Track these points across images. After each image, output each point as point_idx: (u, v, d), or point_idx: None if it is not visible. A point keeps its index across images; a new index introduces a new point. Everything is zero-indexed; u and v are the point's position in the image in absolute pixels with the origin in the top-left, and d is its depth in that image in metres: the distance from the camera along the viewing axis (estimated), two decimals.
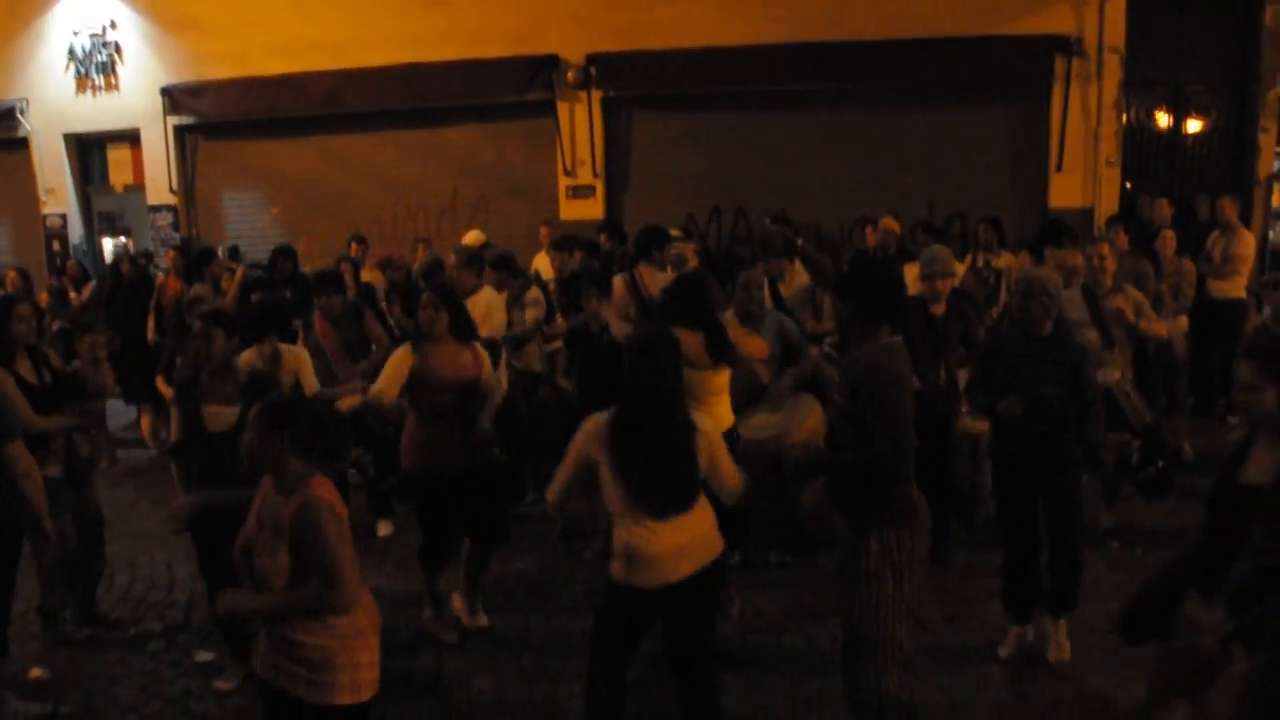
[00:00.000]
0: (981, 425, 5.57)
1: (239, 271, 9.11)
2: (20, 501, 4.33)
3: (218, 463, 4.46)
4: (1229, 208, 8.71)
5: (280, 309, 6.19)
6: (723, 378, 5.05)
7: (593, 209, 11.72)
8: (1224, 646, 3.05)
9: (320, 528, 3.03)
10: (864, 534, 3.57)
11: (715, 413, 4.79)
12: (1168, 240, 8.23)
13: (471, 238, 9.81)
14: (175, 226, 13.57)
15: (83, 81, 13.49)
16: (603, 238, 9.31)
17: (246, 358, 5.62)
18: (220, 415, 4.72)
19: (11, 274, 11.19)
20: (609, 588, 3.76)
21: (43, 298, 10.06)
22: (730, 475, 3.82)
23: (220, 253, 10.70)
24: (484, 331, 6.07)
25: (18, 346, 5.10)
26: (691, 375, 4.49)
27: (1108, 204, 10.48)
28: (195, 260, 9.84)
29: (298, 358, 5.79)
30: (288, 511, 3.08)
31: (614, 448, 3.61)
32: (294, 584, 3.08)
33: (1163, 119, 10.74)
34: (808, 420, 5.27)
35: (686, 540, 3.63)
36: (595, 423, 3.70)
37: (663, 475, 3.60)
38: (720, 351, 4.96)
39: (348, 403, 6.14)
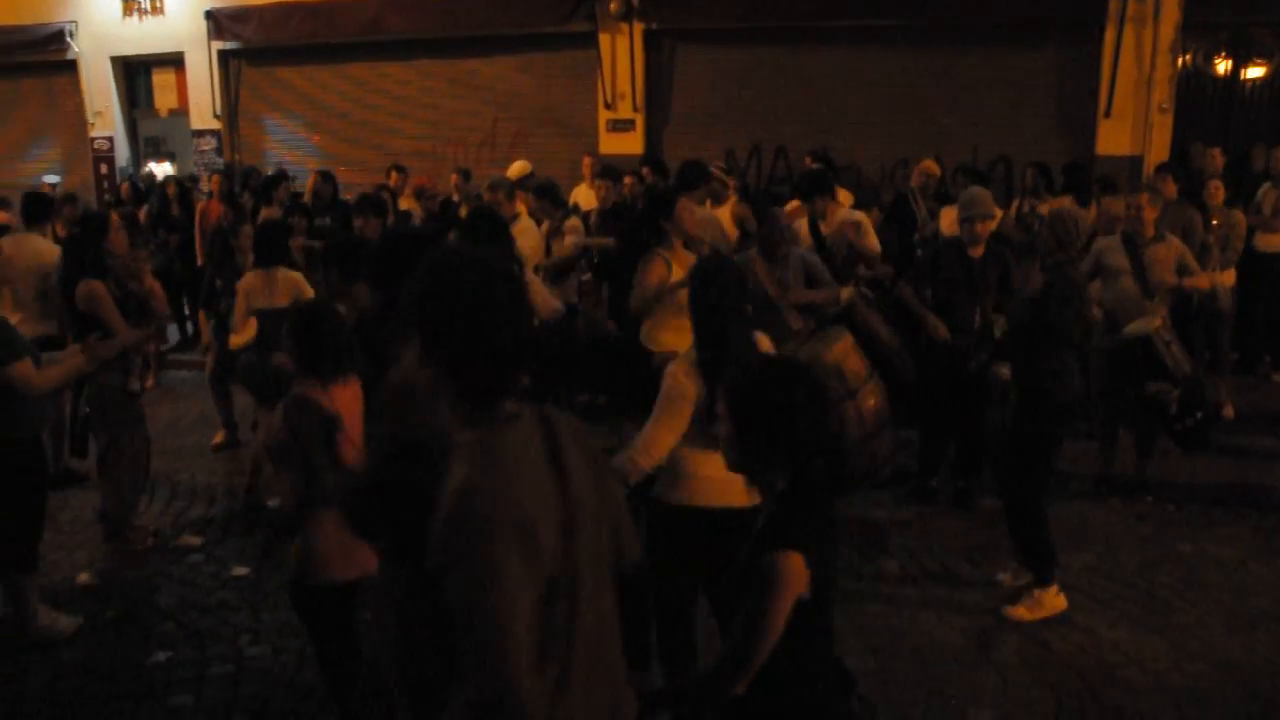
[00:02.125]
0: (1007, 371, 5.48)
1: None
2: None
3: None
4: None
5: (280, 231, 6.41)
6: None
7: (632, 144, 11.64)
8: None
9: (297, 423, 3.25)
10: None
11: None
12: (1215, 191, 8.04)
13: (517, 168, 9.80)
14: (218, 152, 13.68)
15: (129, 5, 13.54)
16: (645, 171, 9.26)
17: (246, 281, 6.08)
18: None
19: (124, 186, 11.44)
20: (662, 516, 3.62)
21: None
22: None
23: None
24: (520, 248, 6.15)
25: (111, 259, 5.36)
26: None
27: (1157, 153, 10.21)
28: (265, 185, 9.92)
29: (294, 280, 6.16)
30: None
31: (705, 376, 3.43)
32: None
33: (1221, 65, 10.41)
34: (837, 344, 5.27)
35: None
36: (685, 361, 3.53)
37: None
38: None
39: None
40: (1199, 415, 5.53)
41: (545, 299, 5.41)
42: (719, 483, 3.32)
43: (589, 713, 2.03)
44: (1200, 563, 5.35)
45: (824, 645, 2.44)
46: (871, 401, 5.35)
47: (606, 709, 2.11)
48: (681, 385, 3.43)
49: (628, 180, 8.30)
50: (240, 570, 5.41)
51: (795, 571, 2.26)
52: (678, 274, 5.13)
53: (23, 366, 4.33)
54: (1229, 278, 7.87)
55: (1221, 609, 4.84)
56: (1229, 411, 7.53)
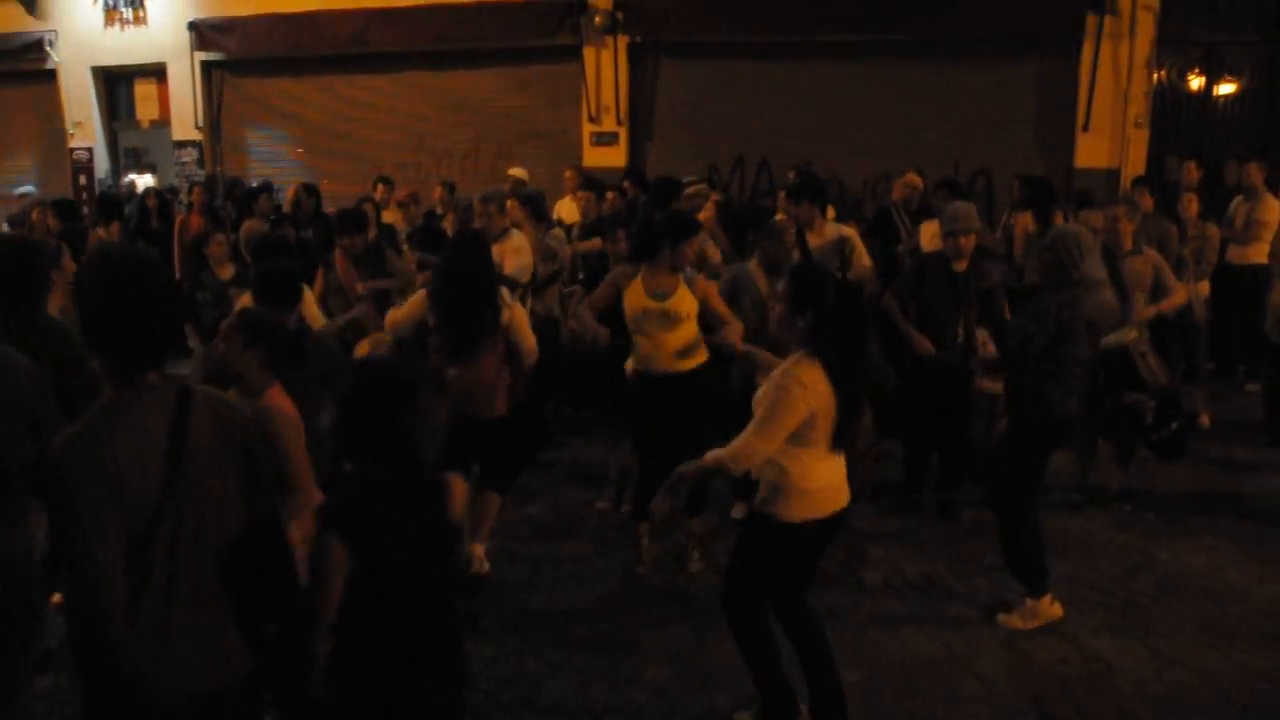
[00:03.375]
0: (995, 384, 5.59)
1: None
2: None
3: None
4: (1255, 173, 8.61)
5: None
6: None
7: (616, 157, 11.71)
8: None
9: (277, 432, 3.36)
10: None
11: None
12: (1189, 204, 8.16)
13: (517, 172, 9.89)
14: (200, 163, 13.64)
15: (111, 14, 13.52)
16: (626, 185, 9.31)
17: (245, 299, 5.80)
18: None
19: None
20: (778, 532, 3.71)
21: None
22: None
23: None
24: (509, 269, 6.15)
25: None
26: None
27: (1134, 165, 10.37)
28: (247, 196, 9.88)
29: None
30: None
31: (840, 390, 3.59)
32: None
33: (1194, 81, 10.58)
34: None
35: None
36: (810, 375, 3.57)
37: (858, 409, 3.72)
38: None
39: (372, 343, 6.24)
40: (1175, 425, 5.61)
41: (527, 336, 5.36)
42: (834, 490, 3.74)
43: (194, 646, 2.37)
44: (1179, 571, 5.43)
45: (389, 630, 2.68)
46: (864, 423, 5.44)
47: (212, 645, 2.42)
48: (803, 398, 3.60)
49: (609, 195, 8.33)
50: None
51: (334, 550, 2.60)
52: (636, 299, 5.21)
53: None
54: (1203, 289, 8.00)
55: (1200, 617, 4.92)
56: (1205, 420, 7.65)
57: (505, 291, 5.21)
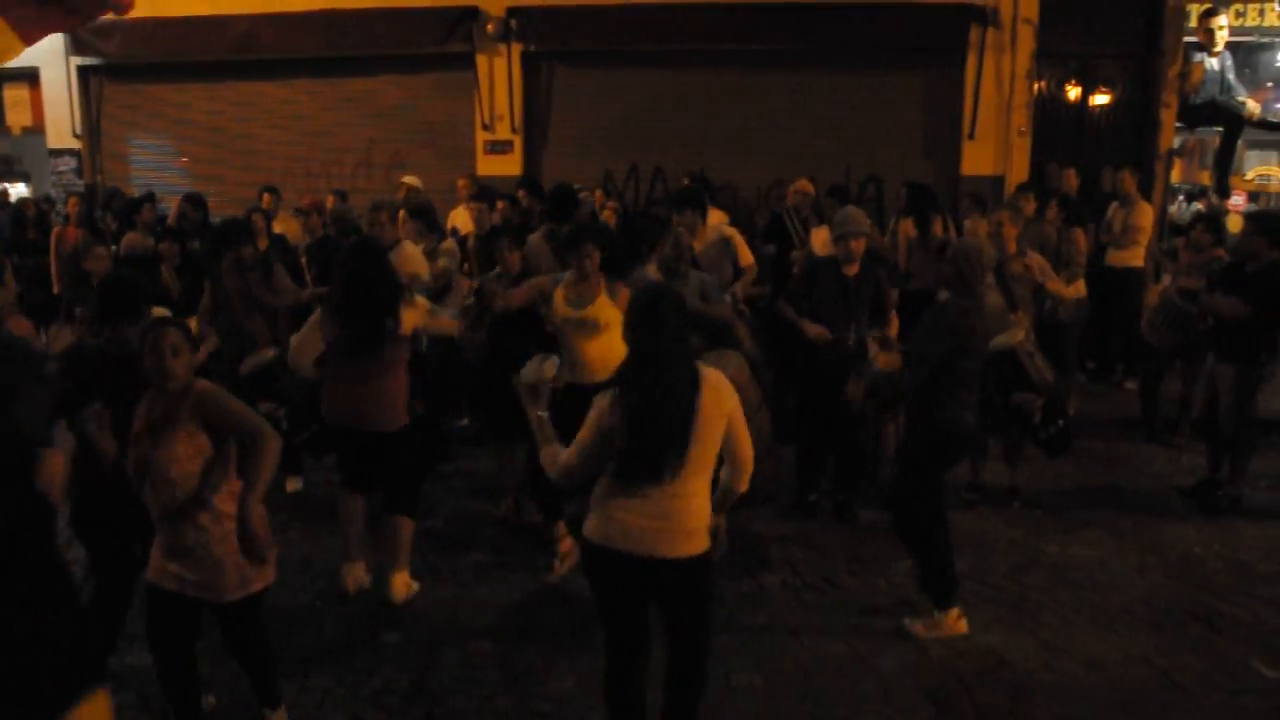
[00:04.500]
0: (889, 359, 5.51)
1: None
2: None
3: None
4: (1129, 180, 8.98)
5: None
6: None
7: (510, 165, 11.62)
8: None
9: (226, 397, 3.58)
10: None
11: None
12: (1051, 212, 8.41)
13: (411, 180, 9.76)
14: (78, 172, 13.08)
15: None
16: (521, 194, 9.23)
17: None
18: None
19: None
20: (587, 551, 3.47)
21: None
22: (743, 445, 3.46)
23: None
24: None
25: None
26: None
27: (1018, 172, 10.75)
28: (127, 207, 9.50)
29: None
30: (188, 402, 3.50)
31: (623, 412, 3.27)
32: (210, 463, 3.54)
33: (1072, 91, 11.01)
34: (732, 368, 5.35)
35: (662, 523, 3.33)
36: (608, 395, 3.35)
37: (658, 438, 3.27)
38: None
39: (255, 360, 6.08)
40: (1061, 422, 5.79)
41: (441, 321, 5.30)
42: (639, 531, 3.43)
43: None
44: (1066, 564, 5.61)
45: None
46: (761, 427, 5.48)
47: None
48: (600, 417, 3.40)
49: (500, 204, 8.23)
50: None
51: None
52: (561, 306, 5.17)
53: None
54: (1077, 290, 8.23)
55: (1087, 607, 5.08)
56: (1070, 410, 7.90)
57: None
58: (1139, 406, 7.98)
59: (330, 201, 9.80)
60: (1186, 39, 10.79)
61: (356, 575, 5.25)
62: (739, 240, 6.89)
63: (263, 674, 3.91)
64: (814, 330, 5.93)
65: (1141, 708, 4.22)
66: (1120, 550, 5.79)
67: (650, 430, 3.25)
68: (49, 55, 12.65)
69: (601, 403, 3.35)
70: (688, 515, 3.36)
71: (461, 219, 9.09)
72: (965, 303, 4.79)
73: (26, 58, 12.54)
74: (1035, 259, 6.62)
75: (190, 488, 3.49)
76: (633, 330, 3.37)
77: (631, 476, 3.31)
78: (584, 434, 3.38)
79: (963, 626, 4.82)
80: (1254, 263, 6.18)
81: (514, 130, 11.71)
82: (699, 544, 3.39)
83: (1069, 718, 4.16)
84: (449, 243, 7.42)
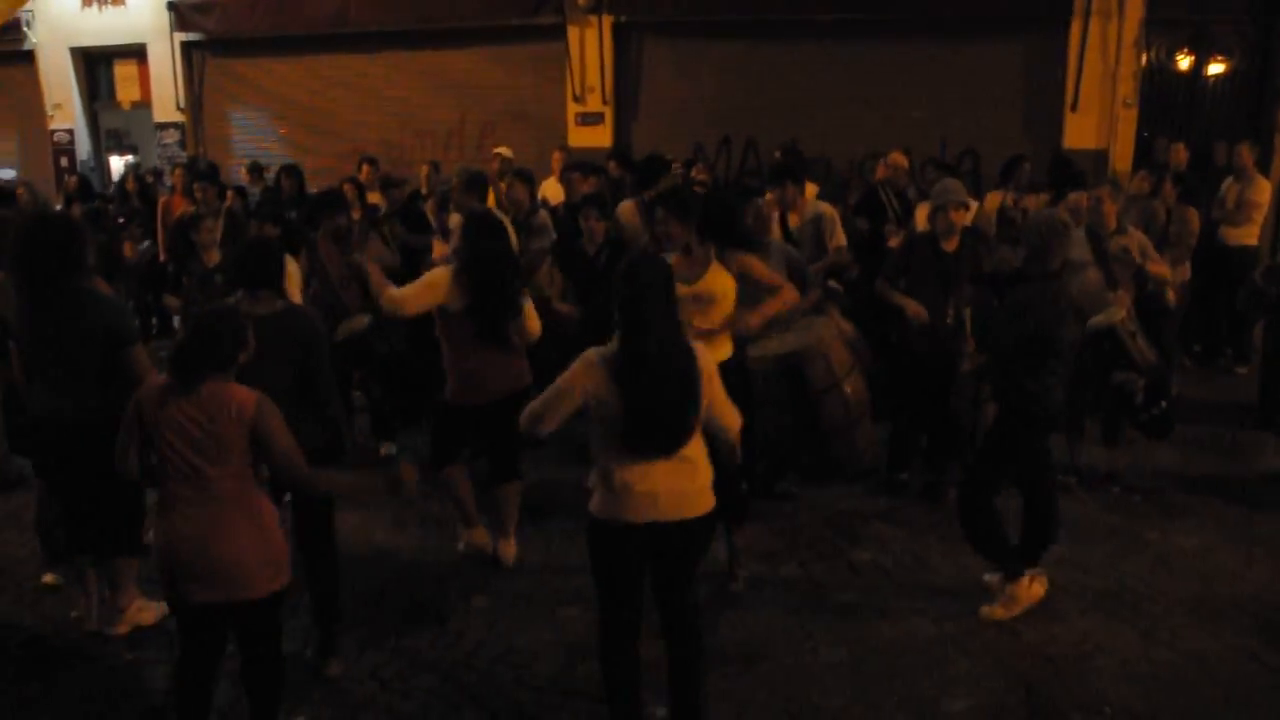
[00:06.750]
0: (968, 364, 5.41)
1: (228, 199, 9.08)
2: None
3: None
4: (1246, 154, 8.59)
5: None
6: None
7: (601, 136, 11.63)
8: None
9: (277, 413, 3.37)
10: None
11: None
12: (1168, 188, 8.09)
13: (502, 151, 9.82)
14: (181, 144, 13.50)
15: None
16: (612, 165, 9.22)
17: None
18: None
19: (72, 180, 10.92)
20: (592, 527, 3.52)
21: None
22: (729, 411, 3.57)
23: (244, 171, 10.89)
24: None
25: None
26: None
27: (1123, 146, 10.36)
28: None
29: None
30: (234, 407, 3.27)
31: (618, 379, 3.31)
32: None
33: (1183, 60, 10.54)
34: (822, 333, 5.26)
35: (677, 486, 3.41)
36: (596, 354, 3.41)
37: (661, 410, 3.33)
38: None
39: (348, 327, 6.17)
40: (1163, 404, 5.58)
41: (531, 315, 5.14)
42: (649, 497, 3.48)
43: None
44: (1168, 552, 5.41)
45: None
46: (855, 390, 5.39)
47: None
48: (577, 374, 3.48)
49: (591, 180, 8.17)
50: None
51: None
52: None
53: (140, 350, 4.23)
54: (1183, 273, 7.91)
55: (1188, 597, 4.89)
56: (1173, 393, 7.59)
57: None
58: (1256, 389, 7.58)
59: (424, 170, 9.89)
60: None
61: (481, 537, 5.34)
62: (834, 219, 6.68)
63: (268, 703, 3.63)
64: (914, 309, 5.78)
65: (1247, 704, 4.06)
66: (1226, 541, 5.55)
67: (660, 402, 3.32)
68: (155, 32, 13.10)
69: (584, 367, 3.40)
70: (703, 473, 3.49)
71: (552, 190, 9.13)
72: (1048, 286, 4.58)
73: (135, 33, 13.15)
74: (1136, 237, 6.33)
75: None
76: (619, 300, 3.39)
77: (647, 449, 3.37)
78: (560, 389, 3.42)
79: (1039, 590, 4.71)
80: None
81: (605, 102, 11.71)
82: (711, 499, 3.53)
83: (1166, 709, 4.01)
84: (542, 214, 7.42)
